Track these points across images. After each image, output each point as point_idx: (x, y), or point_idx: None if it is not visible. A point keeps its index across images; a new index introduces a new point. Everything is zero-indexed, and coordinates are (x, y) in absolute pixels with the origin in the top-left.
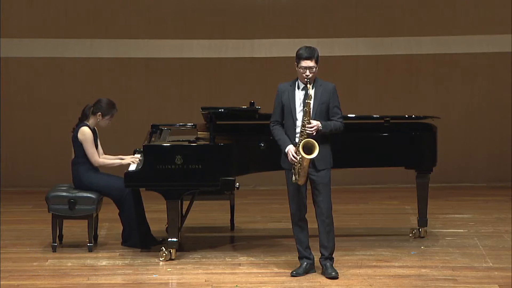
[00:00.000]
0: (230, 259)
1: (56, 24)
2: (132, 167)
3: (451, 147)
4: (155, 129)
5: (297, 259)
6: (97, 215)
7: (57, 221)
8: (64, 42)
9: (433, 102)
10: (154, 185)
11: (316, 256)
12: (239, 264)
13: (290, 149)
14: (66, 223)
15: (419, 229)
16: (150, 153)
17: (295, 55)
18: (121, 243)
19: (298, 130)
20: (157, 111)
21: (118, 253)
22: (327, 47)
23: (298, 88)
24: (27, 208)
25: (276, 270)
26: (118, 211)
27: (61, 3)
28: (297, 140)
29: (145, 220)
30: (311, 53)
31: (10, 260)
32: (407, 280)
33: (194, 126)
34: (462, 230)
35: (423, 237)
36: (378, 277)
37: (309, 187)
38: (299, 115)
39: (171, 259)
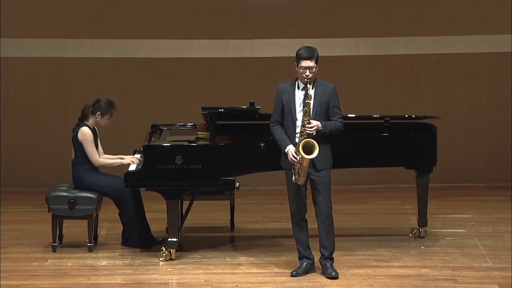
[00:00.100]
0: (230, 259)
1: (56, 24)
2: (132, 167)
3: (451, 147)
4: (155, 129)
5: (297, 259)
6: (97, 215)
7: (57, 221)
8: (64, 42)
9: (433, 102)
10: (154, 185)
11: (316, 256)
12: (239, 264)
13: (290, 149)
14: (66, 223)
15: (419, 229)
16: (150, 153)
17: (295, 55)
18: (121, 243)
19: (298, 130)
20: (157, 111)
21: (118, 253)
22: (327, 47)
23: (298, 88)
24: (27, 208)
25: (276, 270)
26: (118, 211)
27: (61, 3)
28: (297, 140)
29: (145, 220)
30: (311, 53)
31: (10, 260)
32: (407, 280)
33: (194, 126)
34: (462, 230)
35: (423, 237)
36: (378, 277)
37: (309, 187)
38: (299, 115)
39: (171, 259)
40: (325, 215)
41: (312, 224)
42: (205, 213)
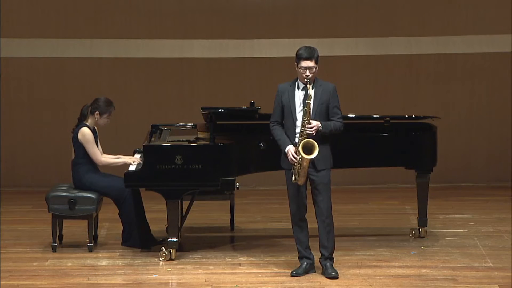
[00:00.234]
0: (230, 259)
1: (56, 24)
2: (132, 167)
3: (451, 147)
4: (155, 129)
5: (297, 259)
6: (97, 215)
7: (57, 221)
8: (64, 42)
9: (433, 102)
10: (154, 185)
11: (316, 256)
12: (239, 264)
13: (290, 149)
14: (66, 223)
15: (419, 229)
16: (150, 153)
17: (295, 55)
18: (121, 243)
19: (298, 130)
20: (157, 111)
21: (118, 253)
22: (327, 47)
23: (298, 88)
24: (27, 208)
25: (276, 270)
26: (118, 211)
27: (61, 3)
28: (297, 140)
29: (145, 220)
30: (311, 53)
31: (10, 260)
32: (407, 280)
33: (194, 126)
34: (462, 230)
35: (423, 237)
36: (378, 277)
37: (309, 187)
38: (299, 115)
39: (171, 259)
40: (325, 215)
41: (312, 224)
42: (205, 213)
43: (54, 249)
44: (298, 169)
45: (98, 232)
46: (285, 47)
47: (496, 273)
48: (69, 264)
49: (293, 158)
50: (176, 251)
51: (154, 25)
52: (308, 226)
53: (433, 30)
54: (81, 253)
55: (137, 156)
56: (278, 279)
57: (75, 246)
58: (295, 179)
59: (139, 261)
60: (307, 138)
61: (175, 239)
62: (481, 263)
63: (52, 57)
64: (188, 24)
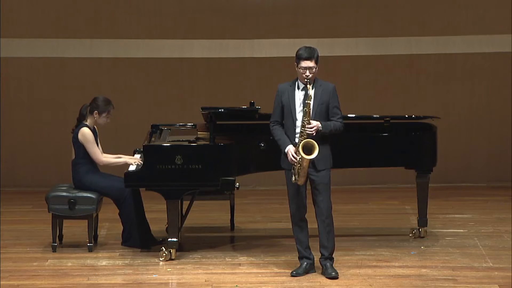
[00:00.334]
0: (230, 259)
1: (56, 24)
2: (132, 167)
3: (451, 147)
4: (155, 129)
5: (297, 259)
6: (97, 215)
7: (57, 221)
8: (64, 42)
9: (433, 102)
10: (154, 185)
11: (316, 256)
12: (239, 264)
13: (290, 149)
14: (66, 223)
15: (419, 229)
16: (150, 153)
17: (295, 55)
18: (121, 243)
19: (298, 130)
20: (157, 111)
21: (118, 253)
22: (327, 47)
23: (298, 88)
24: (27, 208)
25: (276, 270)
26: (118, 211)
27: (61, 3)
28: (296, 140)
29: (145, 220)
30: (311, 53)
31: (10, 260)
32: (407, 280)
33: (194, 126)
34: (462, 230)
35: (423, 237)
36: (378, 277)
37: (309, 187)
38: (299, 115)
39: (171, 259)
40: (325, 215)
41: (312, 224)
42: (205, 213)
43: (54, 249)
44: (298, 169)
45: (98, 232)
46: (285, 47)
47: (496, 273)
48: (69, 264)
49: (293, 158)
50: (176, 251)
51: (154, 25)
52: (308, 226)
53: (433, 30)
54: (81, 253)
55: (137, 156)
56: (278, 279)
57: (75, 246)
58: (295, 179)
59: (139, 261)
60: (307, 138)
61: (175, 239)
62: (481, 263)
63: (52, 57)
64: (188, 24)
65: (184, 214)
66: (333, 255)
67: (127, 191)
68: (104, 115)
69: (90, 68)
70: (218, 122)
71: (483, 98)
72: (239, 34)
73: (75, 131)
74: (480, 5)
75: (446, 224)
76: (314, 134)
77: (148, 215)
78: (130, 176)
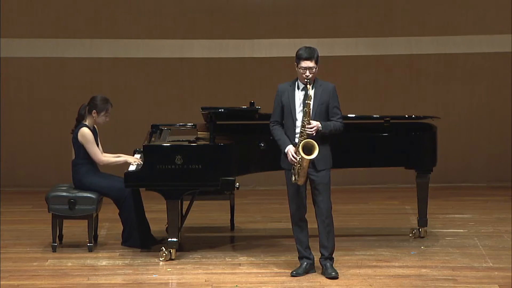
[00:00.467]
0: (230, 259)
1: (56, 24)
2: (132, 167)
3: (451, 147)
4: (155, 129)
5: (297, 259)
6: (97, 215)
7: (57, 221)
8: (64, 42)
9: (433, 102)
10: (154, 185)
11: (316, 256)
12: (239, 264)
13: (290, 149)
14: (66, 223)
15: (419, 229)
16: (150, 153)
17: (295, 55)
18: (121, 243)
19: (297, 130)
20: (157, 111)
21: (118, 253)
22: (327, 47)
23: (298, 89)
24: (27, 208)
25: (276, 270)
26: (118, 211)
27: (61, 3)
28: (296, 140)
29: (145, 220)
30: (311, 54)
31: (10, 260)
32: (407, 280)
33: (194, 126)
34: (462, 230)
35: (423, 237)
36: (378, 277)
37: (309, 187)
38: (299, 116)
39: (171, 259)
40: (325, 215)
41: (312, 224)
42: (205, 213)
43: (54, 249)
44: (298, 169)
45: (98, 232)
46: (285, 47)
47: (496, 273)
48: (69, 264)
49: (293, 158)
50: (176, 251)
51: (154, 25)
52: (308, 226)
53: (433, 30)
54: (81, 253)
55: (137, 156)
56: (278, 279)
57: (75, 246)
58: (295, 179)
59: (139, 261)
60: (307, 138)
61: (175, 239)
62: (481, 263)
63: (52, 57)
64: (188, 24)
65: (184, 214)
66: (333, 255)
67: (127, 191)
68: (102, 114)
69: (90, 68)
70: (218, 122)
71: (483, 98)
72: (239, 34)
73: (75, 132)
74: (480, 5)
75: (446, 224)
76: (314, 134)
77: (148, 215)
78: (130, 176)
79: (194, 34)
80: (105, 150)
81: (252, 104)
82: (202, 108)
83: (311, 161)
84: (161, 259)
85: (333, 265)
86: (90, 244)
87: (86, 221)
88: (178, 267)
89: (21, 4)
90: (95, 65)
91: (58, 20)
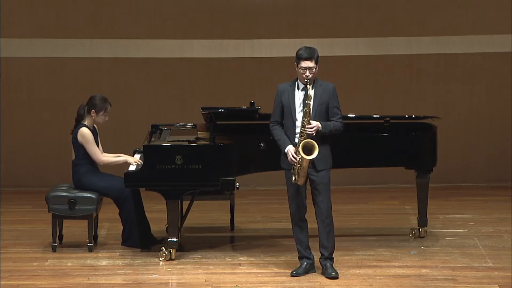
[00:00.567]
0: (230, 259)
1: (56, 24)
2: (132, 167)
3: (451, 147)
4: (155, 129)
5: (297, 259)
6: (97, 215)
7: (57, 221)
8: (64, 42)
9: (433, 102)
10: (154, 185)
11: (316, 256)
12: (239, 264)
13: (290, 149)
14: (66, 223)
15: (419, 229)
16: (150, 153)
17: (295, 55)
18: (121, 243)
19: (297, 130)
20: (157, 111)
21: (118, 253)
22: (327, 47)
23: (298, 89)
24: (27, 208)
25: (276, 270)
26: (118, 211)
27: (61, 3)
28: (296, 140)
29: (145, 220)
30: (311, 54)
31: (10, 260)
32: (407, 280)
33: (194, 126)
34: (462, 230)
35: (423, 237)
36: (378, 277)
37: (309, 187)
38: (299, 116)
39: (171, 259)
40: (325, 215)
41: (312, 224)
42: (205, 213)
43: (54, 249)
44: (298, 169)
45: (98, 232)
46: (285, 47)
47: (496, 273)
48: (69, 264)
49: (292, 159)
50: (176, 251)
51: (154, 25)
52: (308, 226)
53: (433, 30)
54: (81, 253)
55: (137, 156)
56: (278, 279)
57: (75, 246)
58: (295, 179)
59: (139, 261)
60: (307, 138)
61: (175, 239)
62: (481, 263)
63: (52, 57)
64: (188, 24)
65: (184, 214)
66: (333, 255)
67: (127, 191)
68: (101, 113)
69: (90, 68)
70: (218, 122)
71: (483, 98)
72: (239, 34)
73: (74, 132)
74: (480, 5)
75: (446, 224)
76: (314, 134)
77: (148, 215)
78: (130, 176)
79: (194, 34)
80: (105, 150)
81: (252, 104)
82: (202, 108)
83: (311, 161)
84: (161, 259)
85: (333, 265)
86: (90, 244)
87: (86, 221)
88: (178, 267)
89: (21, 4)
90: (95, 65)
91: (58, 20)
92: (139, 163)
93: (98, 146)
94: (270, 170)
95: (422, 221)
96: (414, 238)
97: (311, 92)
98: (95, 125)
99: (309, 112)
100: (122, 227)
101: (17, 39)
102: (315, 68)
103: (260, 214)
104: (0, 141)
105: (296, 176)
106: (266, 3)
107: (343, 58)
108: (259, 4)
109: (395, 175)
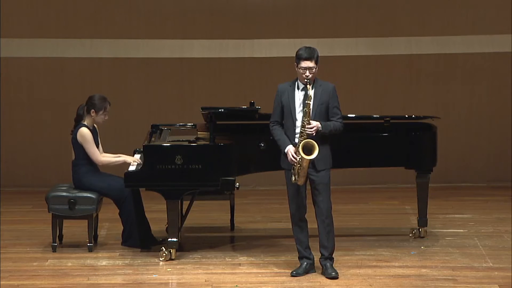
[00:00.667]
0: (230, 259)
1: (56, 24)
2: (132, 167)
3: (451, 147)
4: (155, 129)
5: (297, 259)
6: (97, 215)
7: (57, 221)
8: (64, 42)
9: (433, 102)
10: (154, 185)
11: (316, 256)
12: (239, 264)
13: (290, 149)
14: (66, 223)
15: (419, 229)
16: (150, 153)
17: (295, 55)
18: (121, 243)
19: (297, 130)
20: (157, 111)
21: (118, 253)
22: (327, 47)
23: (298, 89)
24: (27, 208)
25: (276, 270)
26: (118, 211)
27: (61, 3)
28: (296, 140)
29: (145, 220)
30: (310, 54)
31: (10, 260)
32: (407, 280)
33: (194, 126)
34: (462, 230)
35: (423, 237)
36: (378, 277)
37: (309, 187)
38: (299, 116)
39: (171, 259)
40: (325, 215)
41: (312, 224)
42: (205, 213)
43: (54, 249)
44: (298, 169)
45: (98, 232)
46: (285, 47)
47: (496, 273)
48: (69, 264)
49: (292, 159)
50: (176, 251)
51: (154, 25)
52: (308, 226)
53: (433, 30)
54: (81, 253)
55: (137, 156)
56: (278, 279)
57: (75, 246)
58: (295, 179)
59: (139, 261)
60: (307, 138)
61: (175, 239)
62: (481, 263)
63: (52, 57)
64: (188, 24)
65: (184, 214)
66: (333, 255)
67: (127, 191)
68: (101, 112)
69: (90, 68)
70: (218, 122)
71: (483, 98)
72: (239, 34)
73: (74, 132)
74: (480, 5)
75: (446, 224)
76: (314, 134)
77: (148, 215)
78: (130, 176)
79: (194, 34)
80: (105, 150)
81: (252, 104)
82: (202, 108)
83: (311, 161)
84: (161, 259)
85: (333, 265)
86: (90, 244)
87: (86, 221)
88: (178, 267)
89: (21, 4)
90: (95, 65)
91: (58, 20)
92: (139, 163)
93: (98, 146)
94: (270, 170)
95: (422, 221)
96: (414, 238)
97: (311, 92)
98: (95, 124)
99: (309, 112)
100: (122, 227)
101: (17, 39)
102: (315, 68)
103: (260, 214)
104: (0, 141)
105: (296, 176)
106: (266, 3)
107: (343, 58)
108: (259, 4)
109: (395, 175)
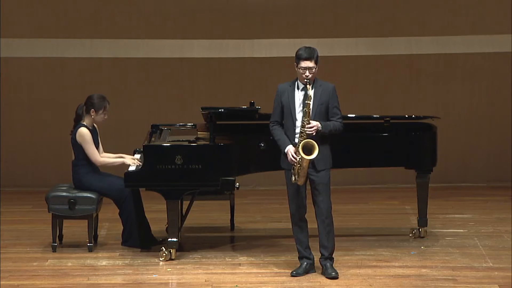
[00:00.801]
0: (230, 259)
1: (56, 24)
2: (132, 167)
3: (451, 147)
4: (155, 129)
5: (297, 259)
6: (97, 215)
7: (57, 221)
8: (64, 42)
9: (433, 102)
10: (154, 185)
11: (316, 256)
12: (239, 264)
13: (290, 149)
14: (66, 223)
15: (419, 229)
16: (150, 153)
17: (295, 55)
18: (121, 243)
19: (297, 130)
20: (157, 111)
21: (118, 253)
22: (327, 47)
23: (298, 89)
24: (27, 208)
25: (276, 270)
26: (118, 211)
27: (61, 3)
28: (296, 140)
29: (145, 220)
30: (310, 54)
31: (10, 260)
32: (407, 280)
33: (194, 126)
34: (462, 230)
35: (423, 237)
36: (378, 277)
37: (308, 187)
38: (299, 116)
39: (171, 259)
40: (325, 215)
41: (312, 224)
42: (205, 213)
43: (54, 249)
44: (298, 169)
45: (98, 232)
46: (285, 47)
47: (496, 273)
48: (69, 264)
49: (292, 159)
50: (176, 251)
51: (154, 25)
52: (308, 226)
53: (433, 30)
54: (81, 253)
55: (137, 156)
56: (278, 279)
57: (75, 246)
58: (295, 179)
59: (139, 261)
60: (307, 138)
61: (175, 239)
62: (481, 263)
63: (52, 57)
64: (188, 24)
65: (184, 214)
66: (333, 255)
67: (127, 191)
68: (100, 112)
69: (90, 68)
70: (218, 122)
71: (483, 98)
72: (239, 34)
73: (73, 132)
74: (480, 5)
75: (446, 224)
76: (314, 134)
77: (148, 215)
78: (130, 176)
79: (194, 34)
80: (105, 150)
81: (252, 104)
82: (202, 108)
83: (311, 161)
84: (161, 259)
85: (333, 265)
86: (90, 244)
87: (86, 221)
88: (178, 267)
89: (21, 4)
90: (95, 65)
91: (58, 20)
92: (138, 163)
93: (98, 145)
94: (270, 170)
95: (422, 221)
96: (414, 238)
97: (311, 92)
98: (95, 124)
99: (309, 112)
100: (122, 227)
101: (17, 39)
102: (315, 68)
103: (260, 214)
104: (0, 141)
105: (296, 176)
106: (266, 3)
107: (343, 58)
108: (259, 4)
109: (395, 175)
